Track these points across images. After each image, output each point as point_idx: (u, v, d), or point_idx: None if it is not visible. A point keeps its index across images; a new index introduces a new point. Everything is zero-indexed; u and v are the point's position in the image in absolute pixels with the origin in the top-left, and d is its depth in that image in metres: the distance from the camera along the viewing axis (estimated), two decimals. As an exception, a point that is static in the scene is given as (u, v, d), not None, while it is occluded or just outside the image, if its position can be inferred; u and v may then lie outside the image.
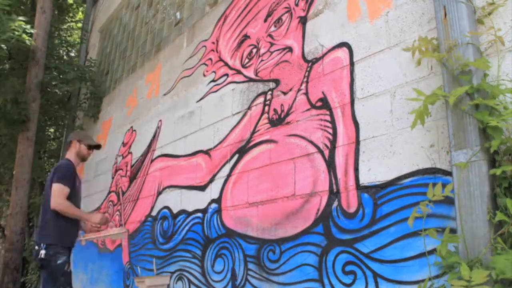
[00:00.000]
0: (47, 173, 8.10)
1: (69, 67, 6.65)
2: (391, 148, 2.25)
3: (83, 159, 3.28)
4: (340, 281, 2.34)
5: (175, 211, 4.02)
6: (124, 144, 5.56)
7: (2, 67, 5.52)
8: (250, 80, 3.46)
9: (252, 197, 3.08)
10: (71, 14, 8.12)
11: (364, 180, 2.34)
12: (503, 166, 1.62)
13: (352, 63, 2.60)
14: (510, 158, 1.66)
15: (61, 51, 8.00)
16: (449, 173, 1.91)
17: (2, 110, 5.54)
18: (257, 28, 3.55)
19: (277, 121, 3.05)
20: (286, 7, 3.28)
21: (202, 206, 3.64)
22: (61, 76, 6.38)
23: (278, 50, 3.24)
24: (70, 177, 3.01)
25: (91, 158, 6.56)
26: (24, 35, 5.16)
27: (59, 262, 2.88)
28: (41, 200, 7.85)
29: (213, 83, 3.95)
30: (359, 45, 2.58)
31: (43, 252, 2.86)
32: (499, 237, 1.58)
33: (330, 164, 2.56)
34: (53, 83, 6.09)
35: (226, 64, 3.84)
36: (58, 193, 2.89)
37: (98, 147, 3.40)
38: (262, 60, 3.38)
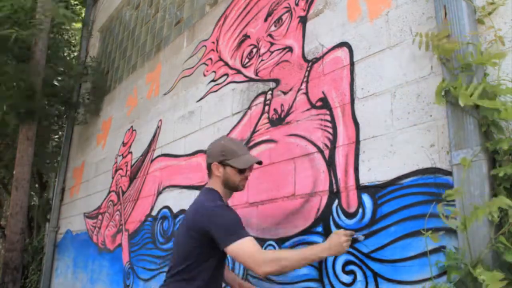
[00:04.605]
0: (47, 165, 8.04)
1: (71, 64, 6.66)
2: (391, 148, 2.25)
3: (234, 188, 2.15)
4: (340, 281, 2.34)
5: (175, 210, 4.02)
6: (124, 144, 5.56)
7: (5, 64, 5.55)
8: (250, 80, 3.46)
9: (252, 197, 3.08)
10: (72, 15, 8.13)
11: (364, 180, 2.34)
12: (503, 167, 1.62)
13: (352, 63, 2.60)
14: (511, 158, 1.66)
15: (61, 52, 8.01)
16: (449, 173, 1.91)
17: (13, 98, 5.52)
18: (257, 28, 3.55)
19: (277, 121, 3.05)
20: (286, 7, 3.28)
21: (202, 206, 3.63)
22: (64, 72, 6.40)
23: (278, 50, 3.23)
24: (235, 219, 2.06)
25: (91, 158, 6.60)
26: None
27: None
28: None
29: (213, 83, 3.95)
30: (359, 45, 2.58)
31: None
32: (501, 236, 1.57)
33: (330, 164, 2.56)
34: (58, 78, 6.10)
35: (226, 63, 3.83)
36: (248, 255, 1.90)
37: (257, 163, 2.28)
38: (262, 60, 3.38)
